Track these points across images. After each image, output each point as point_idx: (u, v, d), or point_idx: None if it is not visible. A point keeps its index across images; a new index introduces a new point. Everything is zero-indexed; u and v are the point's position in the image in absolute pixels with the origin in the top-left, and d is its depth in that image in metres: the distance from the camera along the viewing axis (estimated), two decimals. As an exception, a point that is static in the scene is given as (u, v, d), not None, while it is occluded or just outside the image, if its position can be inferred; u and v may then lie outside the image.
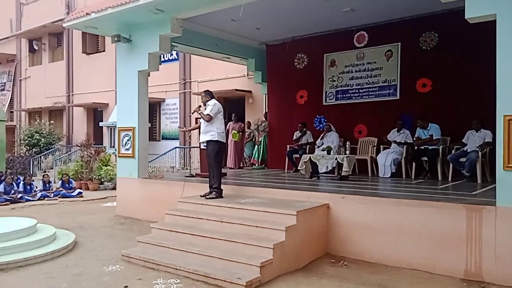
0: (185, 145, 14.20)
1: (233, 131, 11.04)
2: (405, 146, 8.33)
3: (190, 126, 10.95)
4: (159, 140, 15.84)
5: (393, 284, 4.54)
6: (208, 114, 6.31)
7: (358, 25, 9.25)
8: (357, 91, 9.61)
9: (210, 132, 6.31)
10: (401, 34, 8.91)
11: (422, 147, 8.04)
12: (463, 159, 7.34)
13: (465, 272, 4.69)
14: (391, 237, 5.20)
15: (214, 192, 6.27)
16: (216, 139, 6.30)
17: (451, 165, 7.62)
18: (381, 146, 8.83)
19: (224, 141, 6.49)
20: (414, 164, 8.14)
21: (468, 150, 7.34)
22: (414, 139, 8.23)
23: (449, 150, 7.84)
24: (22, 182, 10.93)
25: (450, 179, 7.58)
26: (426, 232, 4.95)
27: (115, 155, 10.22)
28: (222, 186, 6.42)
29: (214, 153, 6.32)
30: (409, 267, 5.01)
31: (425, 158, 7.97)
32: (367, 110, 9.42)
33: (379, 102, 9.23)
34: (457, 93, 8.24)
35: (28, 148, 17.57)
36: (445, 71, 8.38)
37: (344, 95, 9.80)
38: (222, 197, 6.28)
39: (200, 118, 6.62)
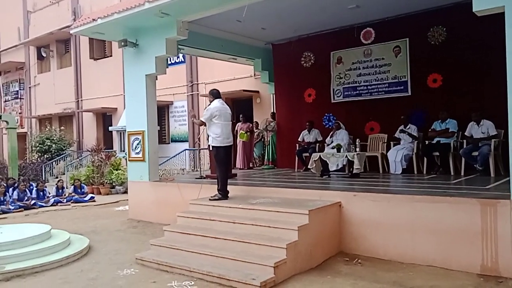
0: (194, 147, 14.23)
1: (241, 131, 11.04)
2: (415, 142, 8.26)
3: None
4: (169, 143, 15.90)
5: (409, 281, 4.51)
6: (200, 120, 6.45)
7: (364, 22, 9.19)
8: (365, 88, 9.53)
9: (209, 137, 6.44)
10: (409, 30, 8.82)
11: (434, 141, 7.98)
12: (475, 153, 7.28)
13: (482, 267, 4.65)
14: (405, 234, 5.16)
15: (217, 195, 6.29)
16: (213, 144, 6.39)
17: (463, 159, 7.55)
18: (391, 143, 8.77)
19: (224, 145, 6.31)
20: (425, 159, 8.08)
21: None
22: (430, 130, 8.17)
23: (461, 145, 7.76)
24: (35, 189, 11.05)
25: (462, 173, 7.50)
26: (441, 228, 4.91)
27: (126, 159, 10.29)
28: (233, 187, 6.42)
29: (214, 157, 6.46)
30: (424, 263, 4.97)
31: (437, 153, 7.91)
32: (377, 106, 9.33)
33: (390, 99, 9.12)
34: (467, 87, 8.12)
35: (40, 154, 17.74)
36: (455, 65, 8.26)
37: (352, 92, 9.73)
38: (226, 199, 6.26)
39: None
